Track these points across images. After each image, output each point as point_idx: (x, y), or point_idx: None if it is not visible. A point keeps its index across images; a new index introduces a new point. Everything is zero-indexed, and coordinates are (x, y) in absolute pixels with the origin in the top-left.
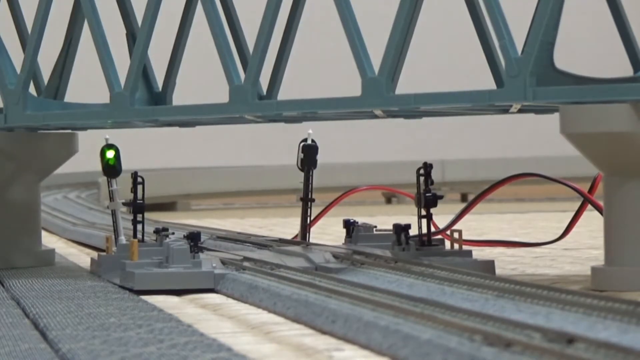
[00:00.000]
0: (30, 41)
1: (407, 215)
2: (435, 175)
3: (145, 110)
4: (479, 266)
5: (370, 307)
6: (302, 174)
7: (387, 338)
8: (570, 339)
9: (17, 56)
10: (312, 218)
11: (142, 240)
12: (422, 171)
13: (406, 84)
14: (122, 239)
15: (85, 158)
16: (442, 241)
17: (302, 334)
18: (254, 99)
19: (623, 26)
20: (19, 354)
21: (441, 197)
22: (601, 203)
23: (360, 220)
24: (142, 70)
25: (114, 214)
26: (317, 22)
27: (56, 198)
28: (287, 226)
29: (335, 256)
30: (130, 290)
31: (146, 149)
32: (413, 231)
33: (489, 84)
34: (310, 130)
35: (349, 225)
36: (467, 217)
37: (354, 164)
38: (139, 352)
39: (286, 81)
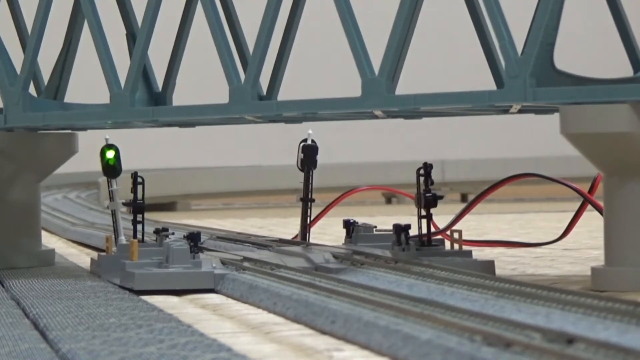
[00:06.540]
0: (30, 41)
1: (407, 216)
2: (435, 175)
3: (145, 110)
4: (479, 266)
5: (370, 307)
6: (302, 174)
7: (387, 338)
8: (570, 339)
9: (17, 56)
10: (312, 218)
11: (142, 241)
12: (422, 171)
13: (406, 84)
14: (122, 239)
15: (85, 158)
16: (442, 241)
17: (302, 334)
18: (253, 100)
19: (623, 26)
20: (19, 354)
21: (441, 198)
22: (601, 203)
23: (360, 220)
24: (142, 71)
25: (114, 214)
26: (317, 22)
27: (56, 198)
28: (287, 226)
29: (335, 256)
30: (130, 290)
31: (146, 149)
32: (413, 231)
33: (489, 84)
34: (310, 130)
35: (349, 225)
36: (467, 217)
37: (354, 164)
38: (138, 352)
39: (286, 81)
